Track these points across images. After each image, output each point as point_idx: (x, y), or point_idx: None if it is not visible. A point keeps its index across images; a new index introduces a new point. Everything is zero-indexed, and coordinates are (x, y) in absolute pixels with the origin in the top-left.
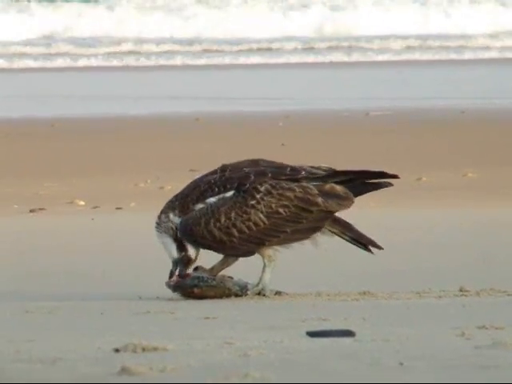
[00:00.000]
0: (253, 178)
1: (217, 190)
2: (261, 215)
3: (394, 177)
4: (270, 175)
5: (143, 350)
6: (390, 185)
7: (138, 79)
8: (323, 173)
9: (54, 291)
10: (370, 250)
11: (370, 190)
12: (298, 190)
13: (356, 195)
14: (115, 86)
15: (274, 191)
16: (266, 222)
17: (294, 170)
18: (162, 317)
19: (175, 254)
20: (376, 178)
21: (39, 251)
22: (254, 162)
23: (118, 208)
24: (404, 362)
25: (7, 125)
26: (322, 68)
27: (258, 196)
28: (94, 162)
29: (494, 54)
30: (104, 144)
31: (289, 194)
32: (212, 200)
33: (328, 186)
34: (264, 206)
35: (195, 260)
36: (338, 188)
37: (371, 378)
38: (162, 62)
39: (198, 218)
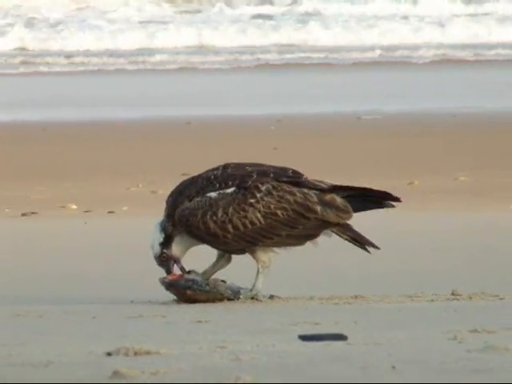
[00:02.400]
0: (255, 176)
1: (218, 185)
2: (258, 214)
3: (397, 200)
4: (272, 175)
5: (135, 353)
6: (392, 206)
7: (130, 83)
8: (325, 186)
9: (46, 295)
10: (367, 250)
11: (371, 209)
12: (298, 194)
13: (356, 211)
14: (107, 90)
15: (274, 192)
16: (263, 222)
17: (296, 172)
18: (154, 320)
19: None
20: (378, 198)
21: (31, 255)
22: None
23: (110, 212)
24: (396, 366)
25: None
26: (312, 71)
27: (258, 195)
28: (86, 166)
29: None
30: (96, 148)
31: (289, 197)
32: (212, 194)
33: (329, 197)
34: (263, 206)
35: (178, 258)
36: (338, 200)
37: (363, 381)
38: (153, 67)
39: (195, 209)
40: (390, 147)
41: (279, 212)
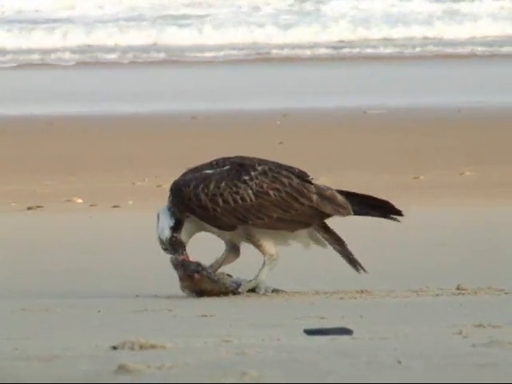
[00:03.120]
0: (255, 161)
1: (215, 165)
2: (249, 191)
3: (399, 213)
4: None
5: (141, 347)
6: (397, 220)
7: (136, 77)
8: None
9: (52, 289)
10: (356, 268)
11: (374, 216)
12: (295, 180)
13: (358, 214)
14: (113, 84)
15: (269, 173)
16: (253, 200)
17: (302, 172)
18: (159, 315)
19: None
20: (380, 206)
21: (37, 249)
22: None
23: (115, 206)
24: (401, 360)
25: (5, 122)
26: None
27: (252, 173)
28: (91, 160)
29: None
30: (102, 142)
31: (284, 179)
32: (208, 171)
33: (329, 192)
34: (255, 184)
35: (184, 243)
36: (339, 197)
37: (369, 376)
38: (158, 60)
39: (188, 181)
40: (396, 142)
41: (271, 192)
